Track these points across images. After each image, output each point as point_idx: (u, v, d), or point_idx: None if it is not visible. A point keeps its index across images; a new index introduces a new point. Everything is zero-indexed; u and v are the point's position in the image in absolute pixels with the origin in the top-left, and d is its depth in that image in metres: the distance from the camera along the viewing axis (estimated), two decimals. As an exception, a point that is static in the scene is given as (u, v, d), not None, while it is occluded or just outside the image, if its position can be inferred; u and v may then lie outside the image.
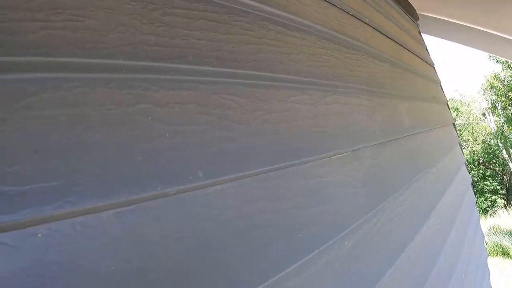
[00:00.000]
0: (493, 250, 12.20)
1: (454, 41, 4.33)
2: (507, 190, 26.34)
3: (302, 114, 0.90)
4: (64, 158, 0.46)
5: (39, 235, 0.43)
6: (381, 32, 1.84)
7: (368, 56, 1.50)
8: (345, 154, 1.03)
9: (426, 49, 3.59)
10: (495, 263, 11.34)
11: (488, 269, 3.56)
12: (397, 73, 1.88)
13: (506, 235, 12.79)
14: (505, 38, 3.63)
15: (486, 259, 3.41)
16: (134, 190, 0.51)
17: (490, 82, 17.12)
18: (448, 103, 3.56)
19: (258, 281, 0.63)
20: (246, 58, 0.81)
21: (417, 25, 3.53)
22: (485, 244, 3.77)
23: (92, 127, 0.50)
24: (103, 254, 0.47)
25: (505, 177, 26.83)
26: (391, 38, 2.02)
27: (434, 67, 3.52)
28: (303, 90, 0.95)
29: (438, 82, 3.34)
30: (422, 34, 3.71)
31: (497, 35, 3.63)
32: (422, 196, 1.64)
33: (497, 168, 27.02)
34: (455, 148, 3.01)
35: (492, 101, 17.77)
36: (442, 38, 4.35)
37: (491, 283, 3.57)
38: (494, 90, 17.16)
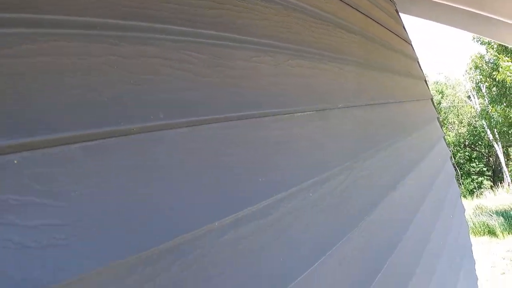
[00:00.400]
0: (480, 229, 12.52)
1: (437, 21, 4.41)
2: (493, 172, 26.92)
3: (264, 73, 0.97)
4: (40, 96, 0.53)
5: (15, 162, 0.49)
6: (351, 6, 1.91)
7: (336, 27, 1.57)
8: (309, 112, 1.10)
9: (403, 27, 3.67)
10: (482, 242, 11.65)
11: (470, 241, 3.68)
12: (369, 45, 1.96)
13: (492, 214, 13.12)
14: (490, 17, 3.72)
15: (468, 232, 3.53)
16: (99, 126, 0.58)
17: (475, 62, 17.38)
18: (426, 79, 3.66)
19: (213, 218, 0.70)
20: (209, 21, 0.87)
21: (394, 3, 3.61)
22: (466, 217, 3.90)
23: (65, 72, 0.57)
24: (71, 181, 0.53)
25: (491, 158, 27.41)
26: (362, 13, 2.09)
27: (411, 45, 3.61)
28: (266, 52, 1.02)
29: (415, 59, 3.43)
30: (403, 14, 3.80)
31: (481, 14, 3.71)
32: (395, 161, 1.72)
33: (483, 150, 27.59)
34: (433, 122, 3.11)
35: (477, 81, 18.06)
36: (424, 18, 4.43)
37: (473, 256, 3.70)
38: (479, 70, 17.43)
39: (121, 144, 0.60)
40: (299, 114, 1.05)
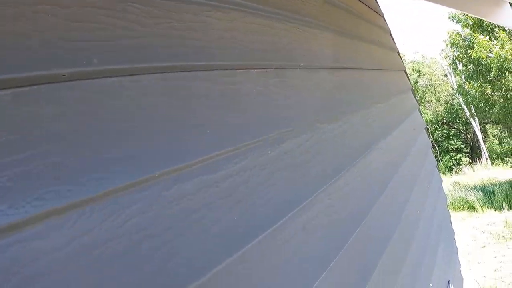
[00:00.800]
0: (459, 204, 12.82)
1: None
2: (471, 148, 27.53)
3: (215, 27, 0.92)
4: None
5: None
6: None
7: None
8: (266, 70, 1.06)
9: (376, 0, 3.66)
10: (461, 217, 11.92)
11: (448, 212, 3.73)
12: (337, 12, 1.93)
13: (471, 190, 13.42)
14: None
15: (446, 202, 3.58)
16: (29, 71, 0.54)
17: (452, 38, 17.56)
18: (399, 51, 3.66)
19: (152, 170, 0.66)
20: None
21: (364, -25, 3.59)
22: (445, 192, 3.96)
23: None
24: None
25: (468, 135, 28.00)
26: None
27: (383, 17, 3.61)
28: (219, 8, 0.97)
29: (387, 31, 3.43)
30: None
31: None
32: (366, 127, 1.71)
33: (460, 128, 28.16)
34: (407, 92, 3.12)
35: (454, 57, 18.30)
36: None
37: (452, 227, 3.76)
38: (455, 46, 17.62)
39: (52, 90, 0.56)
40: (255, 70, 1.01)
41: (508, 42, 12.41)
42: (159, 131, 0.70)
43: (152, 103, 0.70)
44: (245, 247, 0.78)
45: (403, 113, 2.68)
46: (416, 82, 29.06)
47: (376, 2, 3.63)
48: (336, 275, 1.10)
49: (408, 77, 3.51)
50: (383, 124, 2.05)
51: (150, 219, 0.63)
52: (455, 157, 26.39)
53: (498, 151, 24.70)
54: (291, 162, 1.03)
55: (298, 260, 0.96)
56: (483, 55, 13.70)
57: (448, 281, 3.01)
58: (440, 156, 26.40)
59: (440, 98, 28.83)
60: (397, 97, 2.64)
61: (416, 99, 3.49)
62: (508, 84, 13.46)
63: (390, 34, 3.55)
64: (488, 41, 13.31)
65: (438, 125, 27.97)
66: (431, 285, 2.30)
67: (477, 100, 16.28)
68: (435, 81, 29.57)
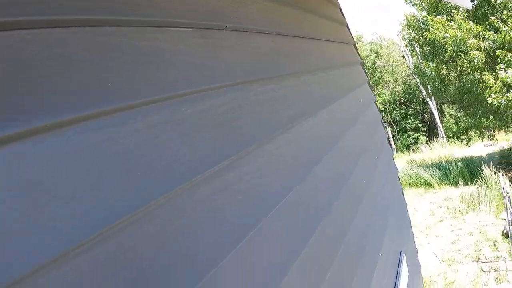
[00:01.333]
0: (416, 181, 13.27)
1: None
2: (428, 127, 28.52)
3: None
4: None
5: None
6: None
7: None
8: (187, 29, 1.00)
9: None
10: (419, 193, 12.36)
11: (400, 185, 3.81)
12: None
13: (428, 167, 13.89)
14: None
15: (397, 175, 3.64)
16: None
17: (409, 20, 17.91)
18: (348, 26, 3.68)
19: (46, 119, 0.59)
20: None
21: None
22: (399, 168, 4.04)
23: None
24: None
25: (425, 115, 28.93)
26: None
27: (331, -9, 3.61)
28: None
29: (336, 5, 3.42)
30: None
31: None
32: (305, 93, 1.69)
33: (418, 107, 29.07)
34: (356, 66, 3.14)
35: (411, 38, 18.70)
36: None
37: (404, 198, 3.84)
38: (412, 28, 17.99)
39: None
40: (174, 29, 0.95)
41: (465, 24, 12.73)
42: (56, 80, 0.64)
43: (65, 60, 0.64)
44: (147, 204, 0.73)
45: (350, 85, 2.69)
46: (374, 63, 29.65)
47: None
48: (259, 244, 1.06)
49: (357, 52, 3.53)
50: (326, 93, 2.04)
51: (44, 172, 0.57)
52: (412, 136, 27.40)
53: (454, 130, 25.65)
54: (211, 121, 0.98)
55: (214, 226, 0.91)
56: (437, 37, 14.00)
57: (400, 252, 3.07)
58: (398, 135, 27.29)
59: (398, 79, 29.59)
60: (343, 68, 2.65)
61: (366, 73, 3.52)
62: (463, 65, 13.89)
63: (340, 9, 3.56)
64: (445, 22, 13.61)
65: (396, 105, 28.81)
66: (380, 254, 2.34)
67: (433, 80, 16.70)
68: (392, 62, 30.24)
